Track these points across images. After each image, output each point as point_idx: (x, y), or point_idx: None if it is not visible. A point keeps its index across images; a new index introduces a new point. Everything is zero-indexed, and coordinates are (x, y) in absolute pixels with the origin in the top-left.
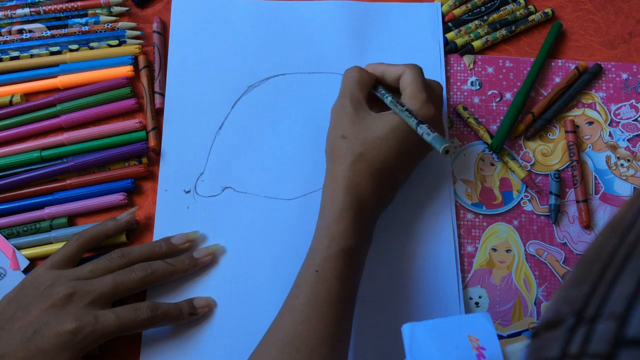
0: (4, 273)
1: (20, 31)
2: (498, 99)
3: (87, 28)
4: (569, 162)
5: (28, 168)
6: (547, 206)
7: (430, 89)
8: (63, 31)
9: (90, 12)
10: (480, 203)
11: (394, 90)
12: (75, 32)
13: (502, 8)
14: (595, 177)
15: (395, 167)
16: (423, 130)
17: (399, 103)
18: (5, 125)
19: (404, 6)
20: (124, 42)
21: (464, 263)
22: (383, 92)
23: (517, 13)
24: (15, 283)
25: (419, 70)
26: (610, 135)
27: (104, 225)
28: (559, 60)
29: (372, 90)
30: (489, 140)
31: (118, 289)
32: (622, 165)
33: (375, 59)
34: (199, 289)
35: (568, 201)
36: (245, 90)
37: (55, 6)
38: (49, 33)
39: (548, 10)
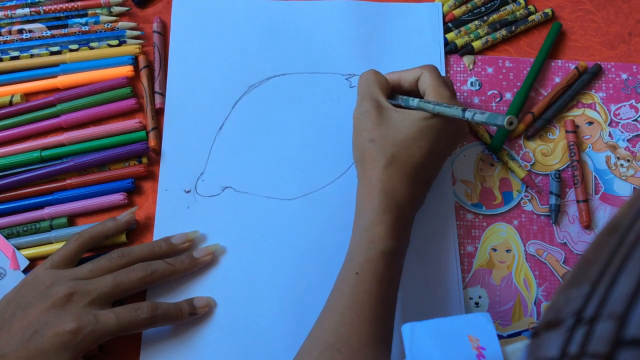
0: (4, 273)
1: (20, 31)
2: (498, 99)
3: (87, 28)
4: (569, 162)
5: (28, 168)
6: (547, 206)
7: (448, 86)
8: (63, 31)
9: (90, 12)
10: (480, 203)
11: (413, 95)
12: (75, 32)
13: (502, 8)
14: (595, 177)
15: (427, 165)
16: (473, 112)
17: (428, 102)
18: (5, 125)
19: (404, 6)
20: (124, 42)
21: (464, 263)
22: (404, 97)
23: (517, 13)
24: (15, 283)
25: (436, 70)
26: (610, 135)
27: (103, 225)
28: (559, 61)
29: (390, 100)
30: (489, 141)
31: (118, 288)
32: (622, 165)
33: (376, 59)
34: (199, 289)
35: (568, 201)
36: (245, 90)
37: (55, 6)
38: (49, 33)
39: (548, 10)
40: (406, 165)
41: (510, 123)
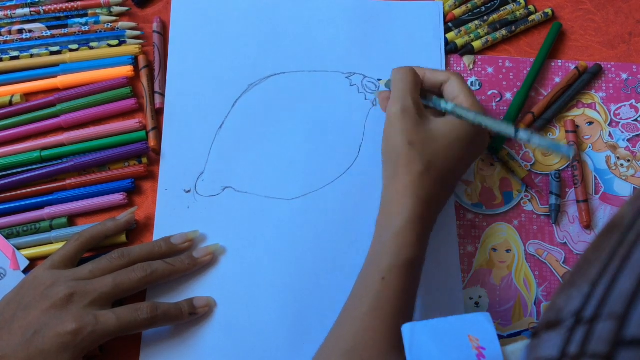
0: (4, 273)
1: (20, 31)
2: (498, 99)
3: (87, 28)
4: (569, 162)
5: (28, 168)
6: (547, 206)
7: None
8: (63, 31)
9: (90, 12)
10: (480, 203)
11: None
12: (75, 32)
13: (502, 8)
14: (595, 177)
15: (458, 172)
16: (529, 136)
17: (467, 110)
18: (5, 125)
19: (405, 5)
20: (124, 42)
21: (464, 263)
22: (435, 98)
23: (517, 13)
24: (15, 283)
25: (463, 79)
26: (610, 135)
27: (103, 226)
28: (559, 61)
29: (421, 99)
30: (489, 141)
31: (118, 289)
32: (622, 165)
33: (377, 58)
34: (199, 289)
35: (568, 201)
36: (245, 89)
37: (55, 6)
38: (49, 33)
39: (548, 10)
40: (441, 173)
41: (574, 152)
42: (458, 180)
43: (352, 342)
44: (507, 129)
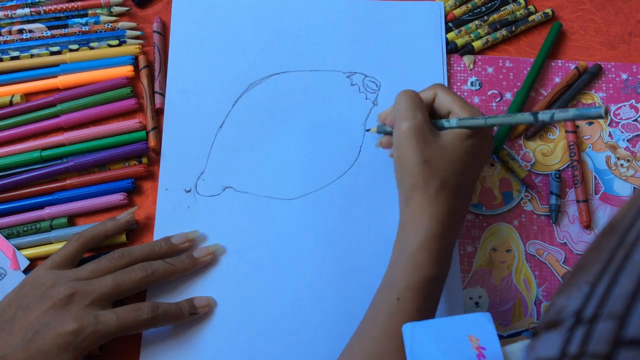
0: (4, 273)
1: (20, 31)
2: (498, 99)
3: (87, 28)
4: (569, 162)
5: (28, 168)
6: (547, 206)
7: None
8: (63, 31)
9: (90, 12)
10: (480, 204)
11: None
12: (75, 32)
13: (503, 8)
14: (595, 177)
15: (472, 183)
16: (549, 113)
17: (472, 118)
18: (5, 125)
19: (406, 5)
20: (124, 42)
21: (464, 263)
22: (435, 120)
23: (517, 13)
24: (16, 283)
25: (448, 88)
26: (610, 135)
27: (103, 226)
28: (559, 61)
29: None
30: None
31: (118, 289)
32: (622, 165)
33: (378, 58)
34: (199, 289)
35: (568, 201)
36: (246, 88)
37: (55, 6)
38: (49, 33)
39: (548, 10)
40: (456, 187)
41: (606, 112)
42: (473, 189)
43: None
44: (525, 118)
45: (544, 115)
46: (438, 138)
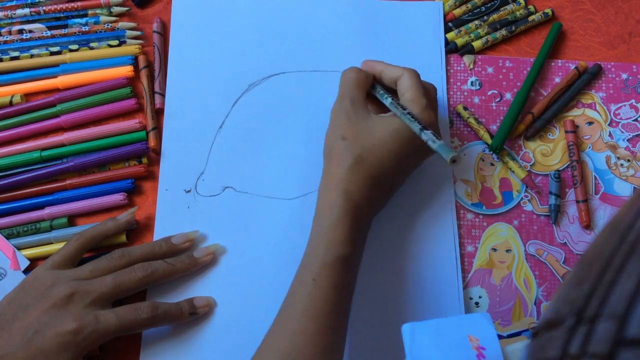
0: (4, 273)
1: (21, 31)
2: (498, 99)
3: (87, 28)
4: (569, 162)
5: (28, 168)
6: (547, 206)
7: (428, 93)
8: (63, 31)
9: (90, 12)
10: (480, 203)
11: (391, 91)
12: (75, 32)
13: (502, 8)
14: (595, 177)
15: (393, 172)
16: (428, 136)
17: (400, 105)
18: (6, 126)
19: (405, 5)
20: (124, 42)
21: (464, 263)
22: (382, 92)
23: (517, 13)
24: (16, 283)
25: (417, 75)
26: (610, 135)
27: (104, 226)
28: (559, 60)
29: (370, 89)
30: (489, 141)
31: (118, 288)
32: (622, 165)
33: (377, 57)
34: (199, 289)
35: (568, 201)
36: (246, 89)
37: (55, 6)
38: (49, 33)
39: (548, 10)
40: (372, 167)
41: (454, 161)
42: (397, 182)
43: (288, 345)
44: (414, 127)
45: (425, 136)
46: (364, 118)
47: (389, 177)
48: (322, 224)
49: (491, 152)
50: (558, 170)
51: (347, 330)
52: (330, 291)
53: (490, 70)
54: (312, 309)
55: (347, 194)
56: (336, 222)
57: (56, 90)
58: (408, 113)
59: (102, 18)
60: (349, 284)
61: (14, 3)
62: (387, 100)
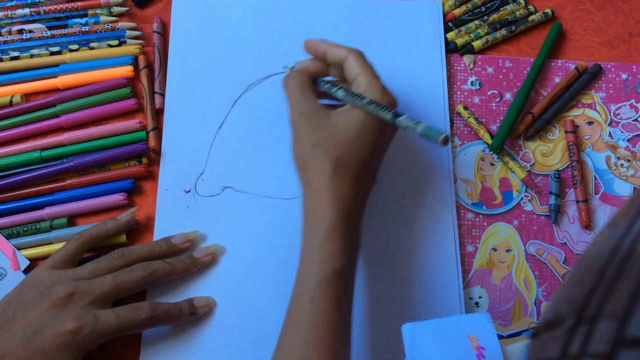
0: (4, 273)
1: (20, 31)
2: (498, 99)
3: (87, 28)
4: (568, 162)
5: (28, 168)
6: (547, 206)
7: (375, 72)
8: (63, 31)
9: (90, 12)
10: (481, 203)
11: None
12: (75, 32)
13: (502, 8)
14: (595, 177)
15: (372, 161)
16: (407, 122)
17: (357, 95)
18: (6, 126)
19: (405, 4)
20: (124, 42)
21: (464, 263)
22: (328, 85)
23: (517, 13)
24: (16, 283)
25: (363, 55)
26: (610, 135)
27: (104, 226)
28: (559, 61)
29: (314, 86)
30: (489, 140)
31: (118, 288)
32: (622, 165)
33: (376, 57)
34: (199, 289)
35: (568, 201)
36: (245, 89)
37: (55, 6)
38: (49, 33)
39: (548, 10)
40: (353, 167)
41: (446, 141)
42: (377, 166)
43: None
44: (387, 115)
45: (405, 121)
46: (329, 119)
47: (370, 168)
48: (314, 238)
49: (491, 152)
50: (558, 170)
51: (350, 346)
52: (331, 311)
53: (490, 70)
54: (313, 333)
55: (336, 202)
56: (329, 234)
57: (56, 90)
58: (371, 102)
59: (102, 18)
60: (349, 298)
61: (14, 3)
62: (340, 93)
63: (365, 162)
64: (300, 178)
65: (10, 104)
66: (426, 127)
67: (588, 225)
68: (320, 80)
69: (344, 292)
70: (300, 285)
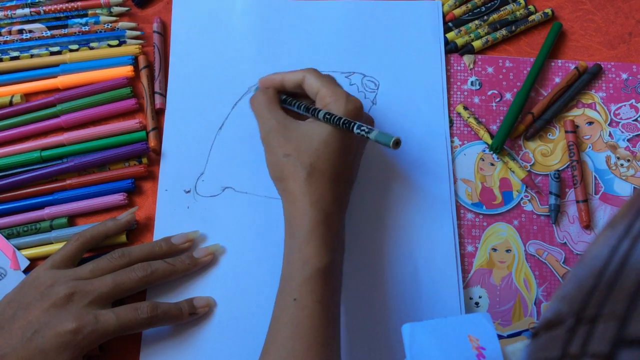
0: (4, 273)
1: (20, 31)
2: (498, 99)
3: (87, 28)
4: (568, 162)
5: (28, 168)
6: (547, 206)
7: (335, 81)
8: (63, 31)
9: (90, 12)
10: (481, 203)
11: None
12: (75, 32)
13: (502, 8)
14: (595, 177)
15: (346, 167)
16: (360, 130)
17: (313, 108)
18: (6, 126)
19: (404, 4)
20: (124, 42)
21: (464, 263)
22: (290, 100)
23: (517, 13)
24: (16, 283)
25: (317, 71)
26: (610, 135)
27: (104, 226)
28: (559, 60)
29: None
30: (489, 140)
31: (118, 288)
32: (622, 165)
33: (376, 57)
34: (199, 289)
35: (568, 201)
36: (246, 90)
37: (55, 6)
38: (49, 33)
39: (548, 10)
40: (326, 172)
41: (397, 143)
42: (354, 173)
43: None
44: (339, 125)
45: (358, 129)
46: (298, 130)
47: (344, 173)
48: (295, 241)
49: (491, 152)
50: (558, 170)
51: (339, 341)
52: (315, 307)
53: (490, 70)
54: (298, 330)
55: (314, 204)
56: (309, 235)
57: (56, 90)
58: (325, 115)
59: (102, 18)
60: (333, 294)
61: (14, 3)
62: (302, 108)
63: (338, 166)
64: (278, 189)
65: (10, 104)
66: (378, 133)
67: (588, 226)
68: (282, 97)
69: (328, 289)
70: (283, 288)
